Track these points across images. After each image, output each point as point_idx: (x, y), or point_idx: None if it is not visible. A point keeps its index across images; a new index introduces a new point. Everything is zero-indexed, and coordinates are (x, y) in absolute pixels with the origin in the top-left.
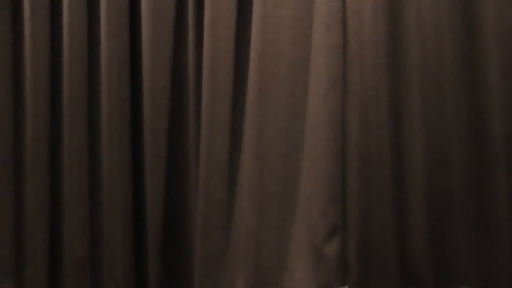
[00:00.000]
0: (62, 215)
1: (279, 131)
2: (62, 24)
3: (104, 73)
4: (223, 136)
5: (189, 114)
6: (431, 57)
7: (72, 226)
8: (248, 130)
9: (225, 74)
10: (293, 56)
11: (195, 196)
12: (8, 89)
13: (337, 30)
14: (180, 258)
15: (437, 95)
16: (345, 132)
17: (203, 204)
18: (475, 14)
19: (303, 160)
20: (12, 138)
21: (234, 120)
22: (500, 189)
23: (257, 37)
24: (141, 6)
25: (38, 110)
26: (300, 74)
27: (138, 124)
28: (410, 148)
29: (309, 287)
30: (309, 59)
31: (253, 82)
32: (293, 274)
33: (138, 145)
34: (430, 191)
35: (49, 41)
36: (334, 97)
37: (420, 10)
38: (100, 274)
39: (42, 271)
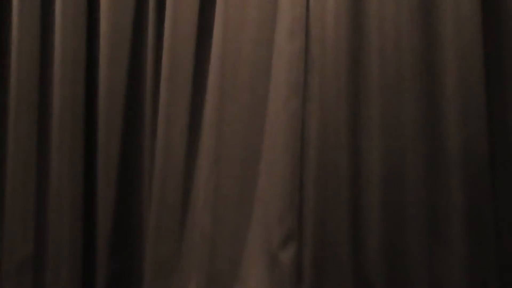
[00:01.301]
0: (3, 212)
1: (238, 134)
2: (11, 14)
3: (57, 69)
4: (180, 138)
5: (145, 114)
6: (390, 67)
7: (13, 225)
8: (206, 132)
9: (184, 74)
10: (255, 60)
11: (148, 197)
12: None
13: (300, 36)
14: (130, 261)
15: (395, 104)
16: (304, 138)
17: (157, 206)
18: (434, 26)
19: (261, 165)
20: None
21: (192, 121)
22: (454, 200)
23: (218, 38)
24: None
25: None
26: (261, 78)
27: (93, 122)
28: (368, 156)
29: None
30: (270, 63)
31: (213, 84)
32: (247, 280)
33: (91, 144)
34: (385, 199)
35: None
36: (295, 103)
37: (381, 21)
38: (43, 276)
39: None
